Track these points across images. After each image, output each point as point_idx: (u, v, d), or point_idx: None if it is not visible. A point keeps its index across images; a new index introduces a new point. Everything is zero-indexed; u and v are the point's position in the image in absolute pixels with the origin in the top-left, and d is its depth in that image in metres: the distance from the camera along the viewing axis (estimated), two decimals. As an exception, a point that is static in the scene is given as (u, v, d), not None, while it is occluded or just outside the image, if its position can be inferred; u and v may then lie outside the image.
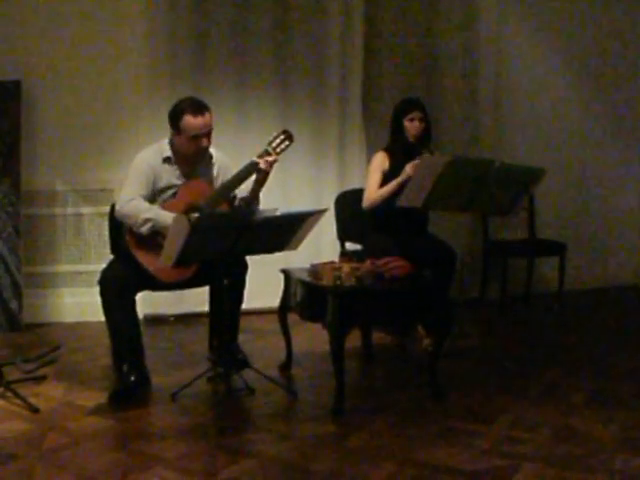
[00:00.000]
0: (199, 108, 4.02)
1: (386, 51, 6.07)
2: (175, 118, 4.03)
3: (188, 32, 5.60)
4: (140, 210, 3.93)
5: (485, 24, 6.24)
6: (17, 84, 5.29)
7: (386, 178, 4.73)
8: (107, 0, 5.53)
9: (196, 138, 4.01)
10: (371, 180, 4.77)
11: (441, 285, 4.09)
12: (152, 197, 4.04)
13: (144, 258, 3.93)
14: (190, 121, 3.98)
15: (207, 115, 4.02)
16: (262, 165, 4.02)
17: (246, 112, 5.78)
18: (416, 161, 4.50)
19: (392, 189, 4.60)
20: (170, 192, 4.09)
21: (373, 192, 4.73)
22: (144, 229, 3.91)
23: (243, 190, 4.14)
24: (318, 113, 5.94)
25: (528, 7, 6.43)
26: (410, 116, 4.76)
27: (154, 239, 3.93)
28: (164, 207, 4.00)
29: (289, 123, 5.53)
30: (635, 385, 4.14)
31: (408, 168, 4.52)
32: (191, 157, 4.10)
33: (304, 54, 5.87)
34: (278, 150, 4.10)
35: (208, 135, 4.05)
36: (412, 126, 4.76)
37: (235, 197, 4.17)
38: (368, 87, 6.03)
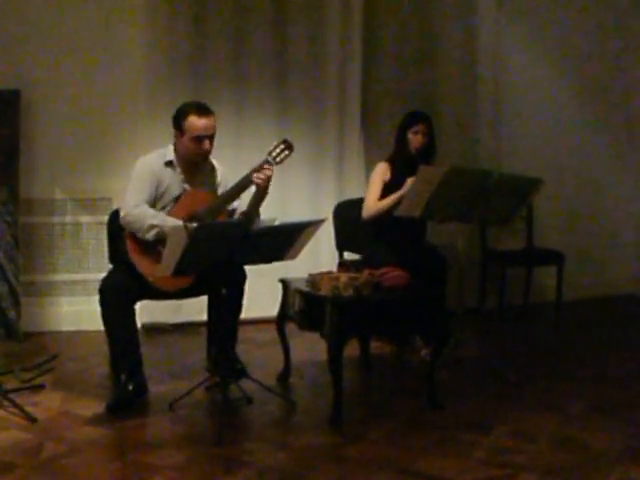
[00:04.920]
0: (205, 109, 4.06)
1: (385, 59, 6.08)
2: (179, 118, 4.06)
3: (187, 41, 5.60)
4: (146, 216, 3.94)
5: (484, 31, 6.24)
6: (16, 93, 5.29)
7: (386, 188, 4.74)
8: (106, 10, 5.53)
9: (199, 140, 4.02)
10: (371, 190, 4.78)
11: (434, 294, 4.08)
12: (153, 201, 4.05)
13: (144, 266, 3.93)
14: (194, 121, 4.01)
15: (211, 118, 4.06)
16: (257, 180, 4.03)
17: (244, 121, 5.77)
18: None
19: (392, 202, 4.59)
20: (170, 196, 4.09)
21: (372, 203, 4.74)
22: (149, 235, 3.92)
23: (244, 203, 4.15)
24: (317, 123, 5.93)
25: (527, 13, 6.43)
26: (414, 129, 4.78)
27: (155, 248, 3.93)
28: (167, 214, 4.01)
29: (287, 132, 5.51)
30: (634, 395, 4.14)
31: (409, 182, 4.50)
32: (192, 160, 4.11)
33: (302, 63, 5.87)
34: (278, 160, 4.11)
35: (210, 139, 4.06)
36: (415, 139, 4.77)
37: (235, 211, 4.18)
38: (367, 96, 6.03)
